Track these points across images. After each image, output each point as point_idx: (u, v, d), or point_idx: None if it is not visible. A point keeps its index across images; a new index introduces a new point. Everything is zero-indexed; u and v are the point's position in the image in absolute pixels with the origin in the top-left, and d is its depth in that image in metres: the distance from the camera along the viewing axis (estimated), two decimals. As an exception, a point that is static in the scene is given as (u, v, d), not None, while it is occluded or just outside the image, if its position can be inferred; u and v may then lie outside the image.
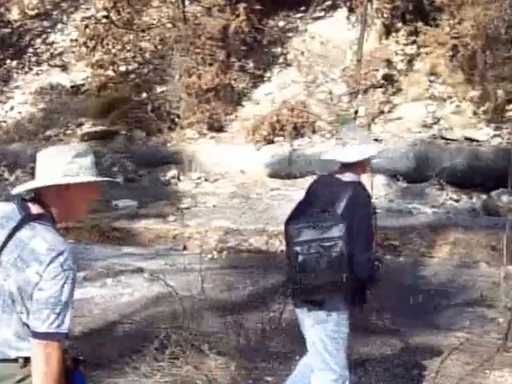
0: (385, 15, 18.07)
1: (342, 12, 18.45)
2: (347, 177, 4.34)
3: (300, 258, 4.09)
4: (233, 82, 17.06)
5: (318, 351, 4.31)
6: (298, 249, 4.11)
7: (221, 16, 16.78)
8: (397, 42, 18.24)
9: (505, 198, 13.89)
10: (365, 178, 4.67)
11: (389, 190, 14.07)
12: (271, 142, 15.62)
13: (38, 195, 2.96)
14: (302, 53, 18.00)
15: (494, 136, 15.83)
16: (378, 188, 13.89)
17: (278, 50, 18.19)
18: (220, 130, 16.56)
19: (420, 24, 17.76)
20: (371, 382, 6.03)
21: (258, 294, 8.13)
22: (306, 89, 17.22)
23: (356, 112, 16.11)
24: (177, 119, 16.55)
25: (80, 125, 17.23)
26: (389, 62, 17.65)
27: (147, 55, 18.41)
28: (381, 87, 17.25)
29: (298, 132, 15.81)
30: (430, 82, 17.42)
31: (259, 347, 6.49)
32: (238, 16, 16.77)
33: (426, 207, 13.38)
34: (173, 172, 15.29)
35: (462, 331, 7.22)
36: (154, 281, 8.29)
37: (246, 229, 11.54)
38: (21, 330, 2.84)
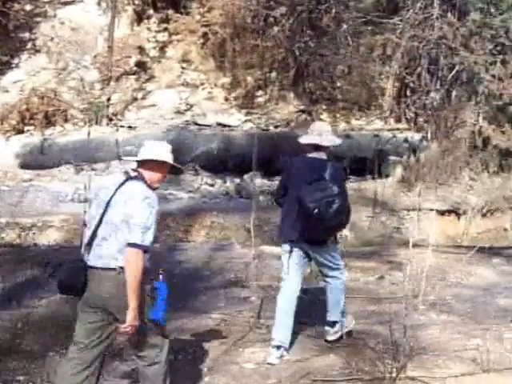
0: (136, 2, 18.05)
1: (93, -3, 18.13)
2: (323, 155, 6.12)
3: (316, 210, 5.77)
4: (-23, 68, 16.21)
5: (327, 266, 6.18)
6: (313, 205, 5.77)
7: (-39, -2, 15.87)
8: (149, 29, 18.26)
9: (256, 181, 14.42)
10: None
11: (144, 177, 14.05)
12: (21, 131, 15.05)
13: (138, 166, 4.68)
14: (52, 39, 17.46)
15: (245, 121, 16.38)
16: (134, 176, 13.85)
17: (26, 35, 17.49)
18: (-35, 119, 15.67)
19: (171, 11, 17.92)
20: (124, 368, 5.98)
21: (8, 290, 7.78)
22: (57, 76, 16.76)
23: (109, 99, 15.93)
24: None
25: None
26: (141, 49, 17.65)
27: None
28: (134, 74, 17.21)
29: (49, 121, 15.37)
30: (183, 68, 17.65)
31: (10, 346, 6.22)
32: (-21, -1, 15.96)
33: (181, 192, 13.54)
34: None
35: (217, 312, 7.37)
36: None
37: (-3, 222, 11.05)
38: (120, 248, 4.46)
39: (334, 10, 16.16)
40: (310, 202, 5.79)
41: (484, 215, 14.25)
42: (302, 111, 16.78)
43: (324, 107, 16.99)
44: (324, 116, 16.83)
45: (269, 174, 14.69)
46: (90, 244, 4.57)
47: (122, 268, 4.42)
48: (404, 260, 8.76)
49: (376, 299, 7.84)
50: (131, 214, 4.44)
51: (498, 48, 15.42)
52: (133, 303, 4.38)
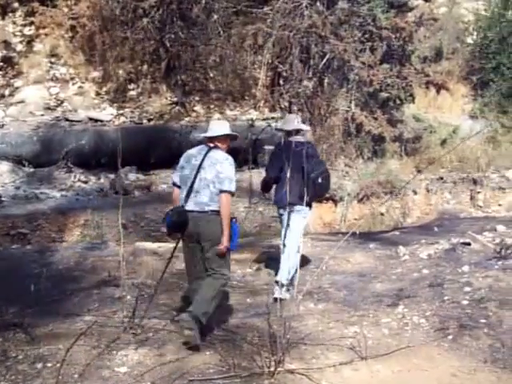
0: (0, -6, 17.31)
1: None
2: (302, 138, 7.87)
3: (320, 180, 7.55)
4: None
5: (296, 232, 7.59)
6: (313, 176, 7.50)
7: None
8: (14, 22, 17.58)
9: (132, 176, 14.10)
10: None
11: (14, 176, 13.48)
12: None
13: (211, 139, 6.54)
14: None
15: (118, 115, 16.00)
16: (3, 175, 13.30)
17: None
18: None
19: (37, 4, 17.27)
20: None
21: None
22: None
23: (-30, 98, 15.21)
24: None
25: None
26: (7, 44, 16.99)
27: None
28: (0, 70, 16.50)
29: None
30: (51, 63, 17.09)
31: None
32: None
33: (54, 191, 13.08)
34: None
35: (90, 314, 7.08)
36: None
37: None
38: (211, 197, 6.28)
39: (203, 1, 15.97)
40: (312, 173, 7.48)
41: (360, 201, 14.46)
42: (176, 103, 16.54)
43: (197, 98, 16.82)
44: (198, 107, 16.67)
45: (144, 168, 14.40)
46: (188, 195, 6.33)
47: (212, 211, 6.23)
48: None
49: (253, 291, 7.75)
50: (220, 171, 6.31)
51: (367, 36, 15.66)
52: (226, 231, 6.17)
